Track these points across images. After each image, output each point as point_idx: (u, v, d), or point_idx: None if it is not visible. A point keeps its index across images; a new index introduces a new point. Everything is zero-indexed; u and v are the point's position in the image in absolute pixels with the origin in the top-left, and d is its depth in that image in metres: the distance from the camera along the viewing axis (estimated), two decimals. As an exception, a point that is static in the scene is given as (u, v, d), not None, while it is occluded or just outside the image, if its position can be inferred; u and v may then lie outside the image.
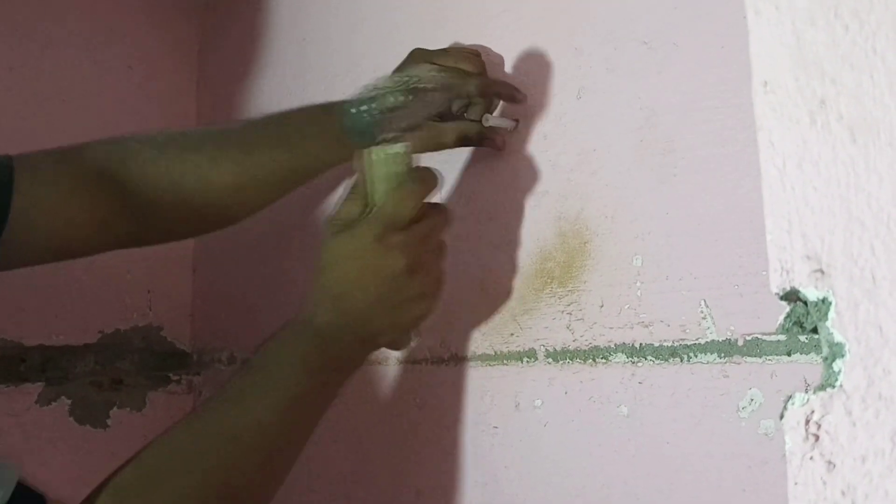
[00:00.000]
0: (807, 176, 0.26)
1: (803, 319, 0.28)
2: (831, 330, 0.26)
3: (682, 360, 0.54)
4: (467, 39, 0.73)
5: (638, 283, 0.57)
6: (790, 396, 0.27)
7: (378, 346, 0.62)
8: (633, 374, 0.56)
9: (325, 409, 0.61)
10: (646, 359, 0.56)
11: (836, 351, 0.26)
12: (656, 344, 0.55)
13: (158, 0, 1.11)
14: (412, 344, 0.65)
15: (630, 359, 0.57)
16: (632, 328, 0.57)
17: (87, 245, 0.73)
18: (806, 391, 0.27)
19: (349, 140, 0.71)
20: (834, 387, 0.26)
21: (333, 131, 0.73)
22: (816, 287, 0.26)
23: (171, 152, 0.74)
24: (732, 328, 0.51)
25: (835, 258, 0.26)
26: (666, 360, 0.55)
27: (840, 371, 0.26)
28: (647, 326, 0.56)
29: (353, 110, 0.61)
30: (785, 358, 0.48)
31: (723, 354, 0.52)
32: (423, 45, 0.77)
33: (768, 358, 0.49)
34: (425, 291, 0.60)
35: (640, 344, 0.56)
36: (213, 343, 1.04)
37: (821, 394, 0.26)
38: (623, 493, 0.56)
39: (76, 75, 1.02)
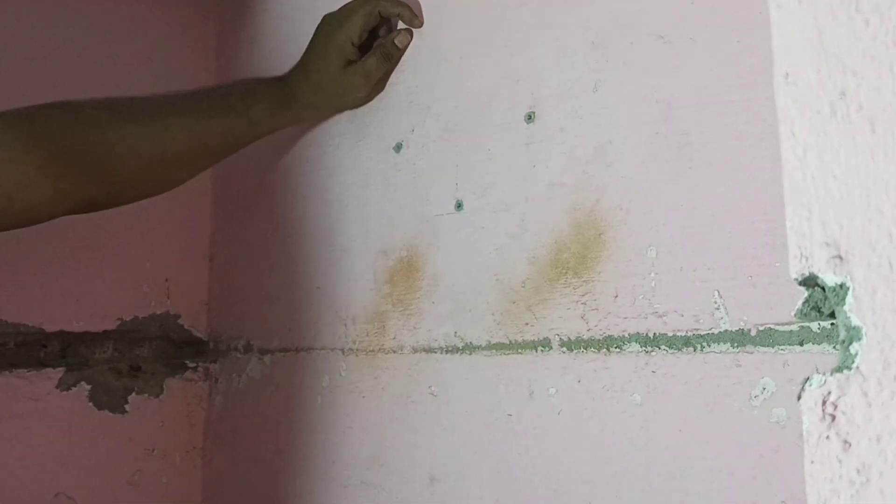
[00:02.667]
0: (827, 165, 0.27)
1: (821, 304, 0.29)
2: (849, 314, 0.27)
3: (695, 350, 0.55)
4: (483, 33, 0.74)
5: (652, 274, 0.58)
6: (808, 378, 0.28)
7: None
8: (646, 364, 0.57)
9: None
10: (659, 348, 0.57)
11: (854, 334, 0.27)
12: (670, 334, 0.56)
13: (177, -7, 1.12)
14: None
15: (644, 348, 0.58)
16: (646, 318, 0.58)
17: (45, 209, 0.73)
18: (823, 373, 0.28)
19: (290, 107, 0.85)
20: (851, 369, 0.27)
21: (276, 99, 0.84)
22: (835, 273, 0.27)
23: (129, 118, 0.78)
24: (745, 318, 0.52)
25: (853, 245, 0.27)
26: (679, 349, 0.56)
27: (857, 354, 0.27)
28: (660, 316, 0.57)
29: None
30: (797, 347, 0.49)
31: (736, 344, 0.53)
32: (444, 38, 0.78)
33: (781, 348, 0.50)
34: None
35: (654, 333, 0.57)
36: (230, 331, 1.05)
37: (837, 375, 0.27)
38: (635, 480, 0.57)
39: (97, 66, 1.03)
